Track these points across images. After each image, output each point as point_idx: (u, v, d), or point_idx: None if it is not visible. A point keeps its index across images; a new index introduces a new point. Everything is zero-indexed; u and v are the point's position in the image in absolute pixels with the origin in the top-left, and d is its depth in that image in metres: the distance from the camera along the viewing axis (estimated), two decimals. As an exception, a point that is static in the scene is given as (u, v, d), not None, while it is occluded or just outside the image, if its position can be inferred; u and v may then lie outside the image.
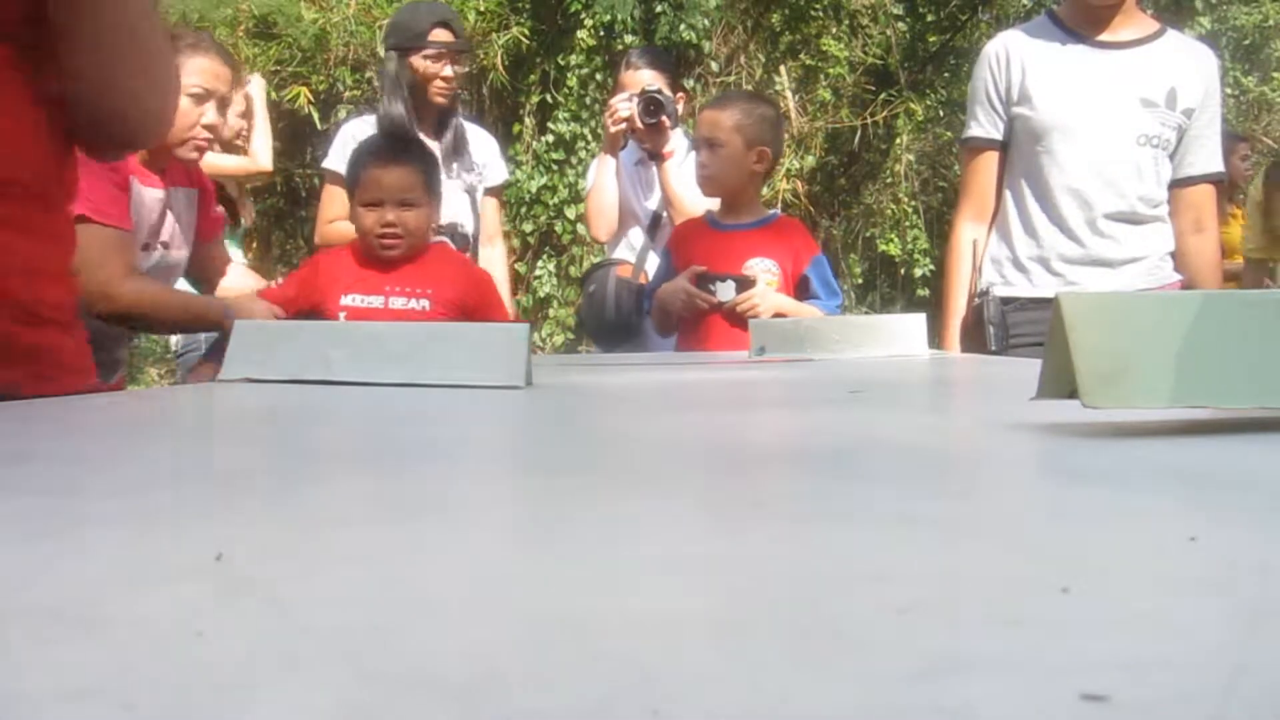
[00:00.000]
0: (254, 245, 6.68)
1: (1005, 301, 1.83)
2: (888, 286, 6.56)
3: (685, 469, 0.42)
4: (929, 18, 6.80)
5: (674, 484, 0.38)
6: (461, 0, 5.93)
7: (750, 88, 6.19)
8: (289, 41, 6.00)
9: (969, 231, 1.89)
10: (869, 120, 6.32)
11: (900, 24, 6.57)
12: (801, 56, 6.53)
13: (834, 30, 6.55)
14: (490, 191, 2.38)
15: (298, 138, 6.64)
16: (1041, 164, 1.80)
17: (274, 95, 6.13)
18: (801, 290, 2.10)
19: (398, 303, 1.98)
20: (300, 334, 0.94)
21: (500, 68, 5.94)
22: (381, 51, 2.68)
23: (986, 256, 1.90)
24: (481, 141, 2.37)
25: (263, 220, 6.67)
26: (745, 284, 2.01)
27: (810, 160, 6.38)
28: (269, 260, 6.77)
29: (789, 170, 6.27)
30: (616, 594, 0.23)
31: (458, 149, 2.24)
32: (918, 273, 6.23)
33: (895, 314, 1.78)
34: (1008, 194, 1.88)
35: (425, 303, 2.00)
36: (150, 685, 0.17)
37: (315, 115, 6.06)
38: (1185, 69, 1.75)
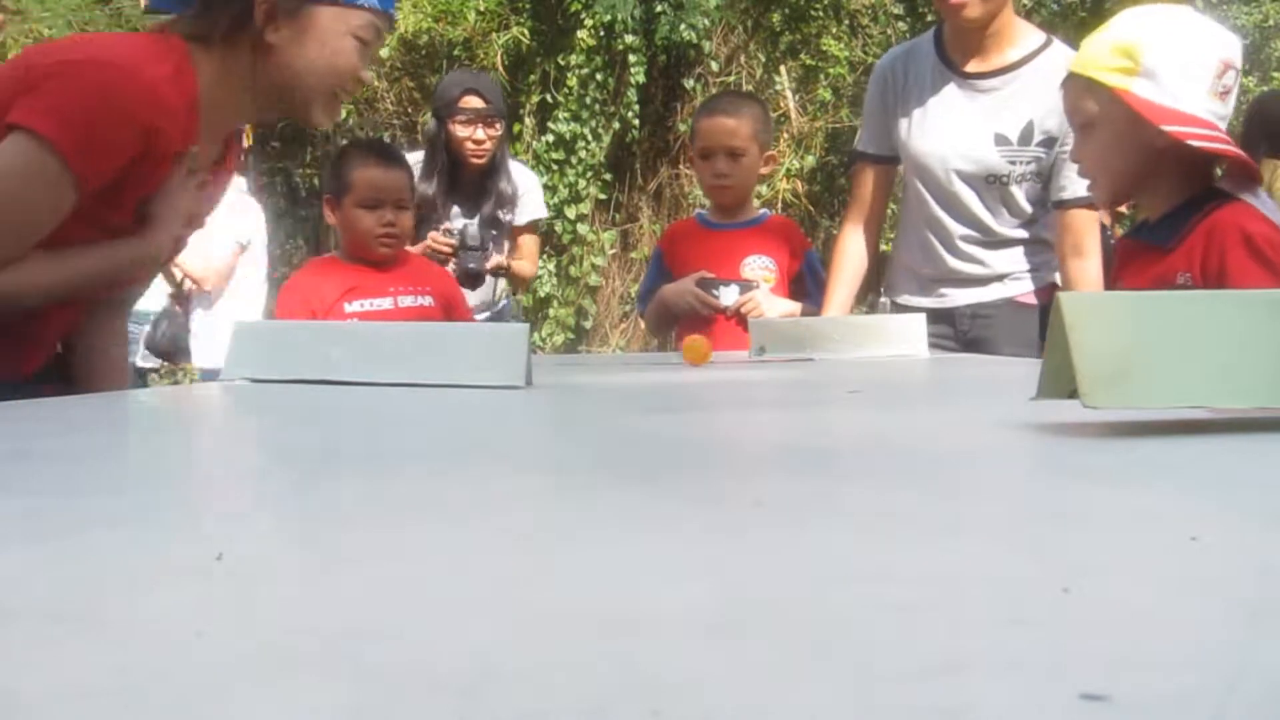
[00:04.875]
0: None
1: (897, 307, 1.94)
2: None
3: (685, 469, 0.42)
4: (929, 18, 6.80)
5: (674, 484, 0.38)
6: (462, 0, 5.94)
7: (750, 88, 6.19)
8: (289, 41, 5.99)
9: (848, 233, 1.98)
10: (869, 120, 6.31)
11: (900, 24, 6.57)
12: (801, 56, 6.53)
13: (834, 30, 6.55)
14: (525, 227, 2.45)
15: (298, 138, 6.63)
16: (911, 191, 1.90)
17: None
18: (797, 286, 2.11)
19: (406, 300, 2.02)
20: (300, 334, 0.94)
21: (500, 68, 5.94)
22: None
23: (890, 262, 2.02)
24: (521, 178, 2.45)
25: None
26: (747, 289, 2.01)
27: (810, 160, 6.38)
28: (270, 260, 6.76)
29: (789, 170, 6.26)
30: (616, 594, 0.23)
31: (501, 204, 2.34)
32: (917, 273, 6.22)
33: (895, 314, 1.78)
34: (904, 207, 1.97)
35: (429, 299, 2.03)
36: (151, 685, 0.17)
37: (315, 115, 6.05)
38: (1048, 98, 1.70)
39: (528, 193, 2.44)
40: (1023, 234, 1.82)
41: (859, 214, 1.95)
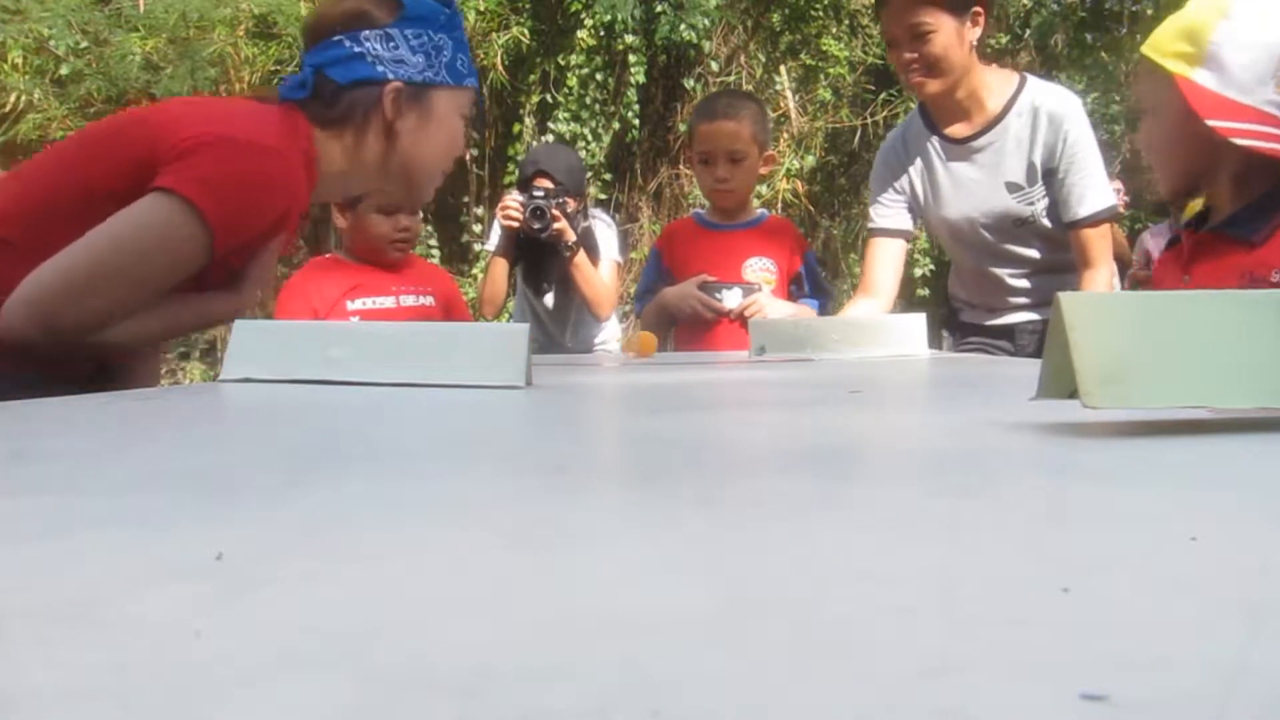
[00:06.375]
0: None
1: (960, 323, 2.04)
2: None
3: (685, 469, 0.42)
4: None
5: (674, 483, 0.38)
6: (462, 0, 5.93)
7: (750, 88, 6.19)
8: (289, 41, 5.99)
9: (853, 306, 1.99)
10: (869, 120, 6.32)
11: (900, 24, 6.57)
12: (801, 56, 6.53)
13: (834, 30, 6.55)
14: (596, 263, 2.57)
15: (298, 138, 6.63)
16: (950, 248, 2.00)
17: (274, 95, 6.13)
18: (795, 286, 2.11)
19: (408, 300, 2.05)
20: (300, 334, 0.94)
21: (500, 68, 5.94)
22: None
23: (948, 290, 2.13)
24: (598, 229, 2.55)
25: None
26: (749, 291, 2.01)
27: (810, 160, 6.38)
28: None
29: (789, 170, 6.26)
30: (616, 594, 0.23)
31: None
32: (918, 273, 6.23)
33: (895, 314, 1.78)
34: (951, 257, 2.07)
35: (430, 299, 2.06)
36: (150, 685, 0.17)
37: (315, 115, 6.04)
38: (1036, 135, 1.79)
39: (601, 236, 2.53)
40: (1066, 256, 1.87)
41: (870, 289, 1.98)
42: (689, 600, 0.22)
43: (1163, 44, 1.19)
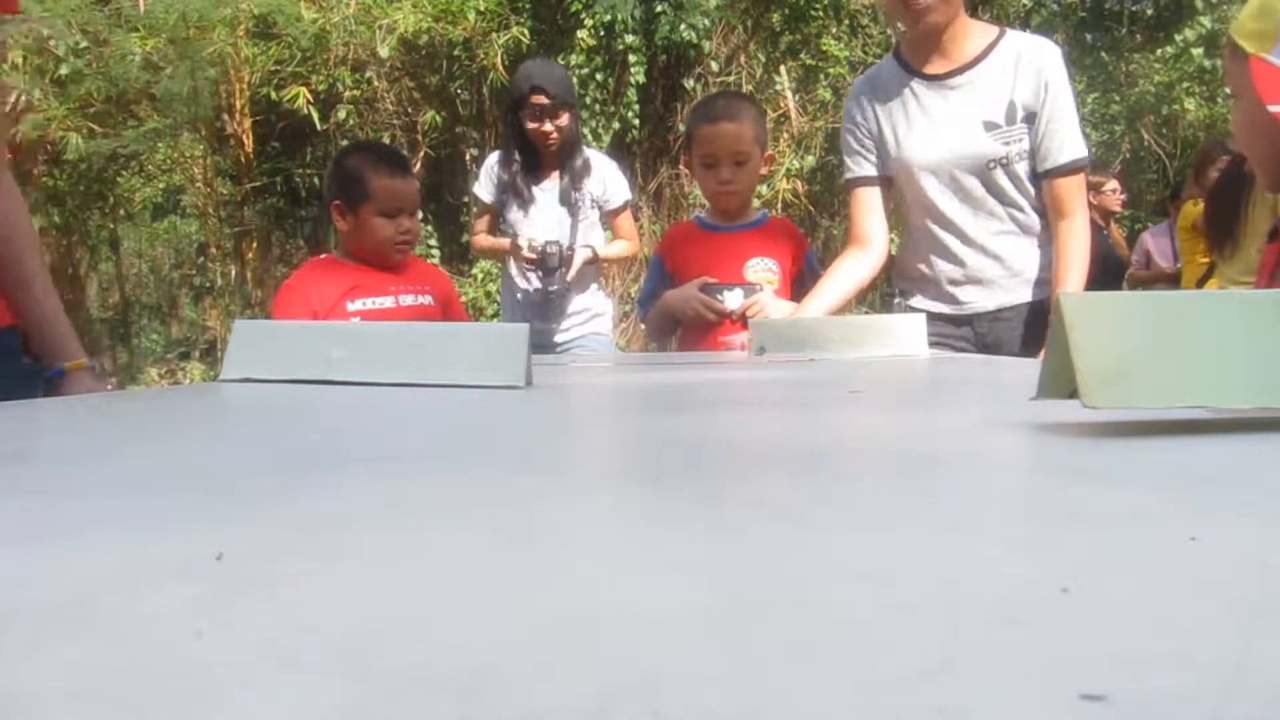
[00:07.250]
0: (254, 245, 6.68)
1: (912, 310, 1.97)
2: (888, 286, 6.56)
3: (685, 469, 0.42)
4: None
5: (674, 484, 0.38)
6: (462, 0, 5.94)
7: (750, 88, 6.19)
8: (289, 41, 6.00)
9: (845, 259, 1.98)
10: (869, 120, 6.31)
11: (899, 23, 6.57)
12: (801, 56, 6.53)
13: (834, 30, 6.55)
14: (614, 212, 2.79)
15: (298, 137, 6.62)
16: (914, 198, 1.92)
17: (274, 95, 6.14)
18: (798, 286, 2.11)
19: (407, 299, 2.06)
20: (301, 334, 0.94)
21: (500, 68, 5.93)
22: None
23: (897, 270, 2.07)
24: (602, 167, 2.77)
25: (263, 220, 6.67)
26: (751, 292, 2.00)
27: (810, 160, 6.38)
28: (269, 260, 6.77)
29: (789, 170, 6.27)
30: (616, 594, 0.23)
31: (573, 179, 2.68)
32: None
33: (895, 314, 1.78)
34: (906, 217, 2.00)
35: (429, 298, 2.07)
36: (150, 685, 0.17)
37: (315, 115, 6.06)
38: (1019, 77, 1.80)
39: (613, 180, 2.75)
40: (1034, 216, 1.85)
41: (856, 239, 1.96)
42: (689, 600, 0.22)
43: (1242, 22, 1.09)
